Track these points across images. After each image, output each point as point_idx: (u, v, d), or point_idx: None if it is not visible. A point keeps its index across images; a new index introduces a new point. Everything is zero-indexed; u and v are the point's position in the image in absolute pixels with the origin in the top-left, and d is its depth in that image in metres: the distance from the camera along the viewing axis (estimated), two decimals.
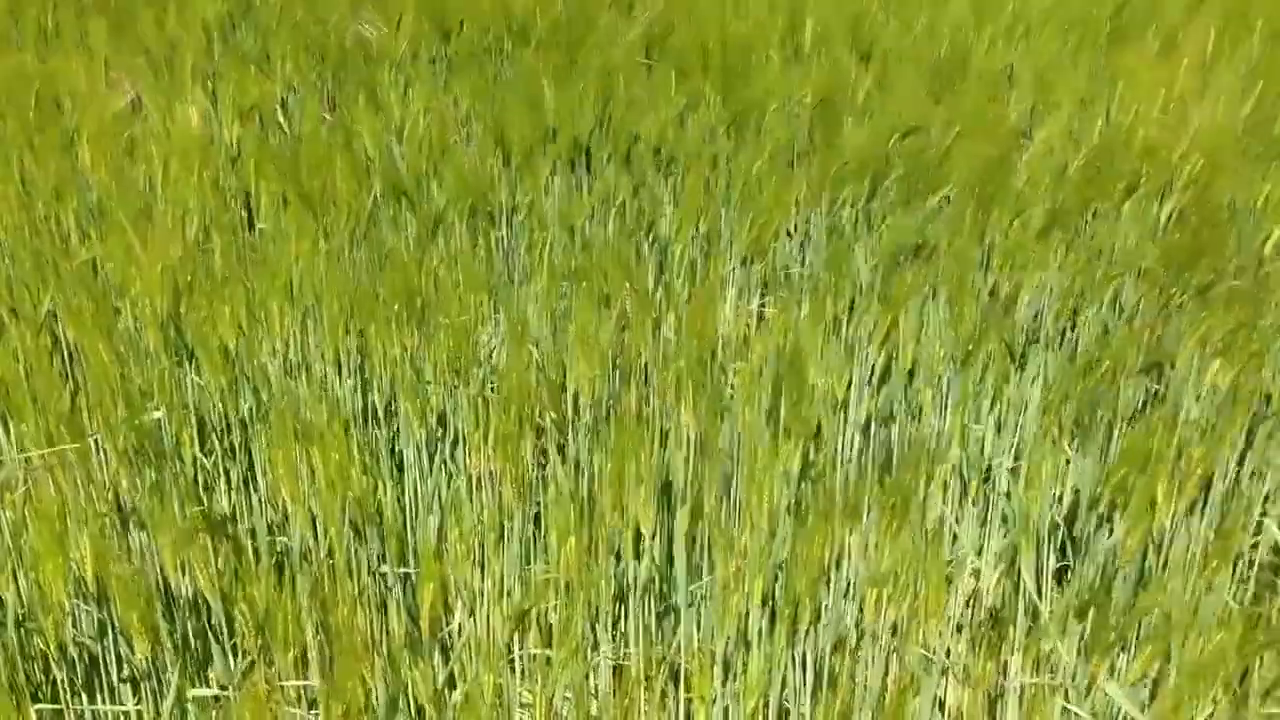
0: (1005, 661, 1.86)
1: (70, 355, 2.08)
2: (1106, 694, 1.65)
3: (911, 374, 2.10)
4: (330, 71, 3.18)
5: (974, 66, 3.07)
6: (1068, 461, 1.93)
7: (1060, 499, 1.94)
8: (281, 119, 2.91)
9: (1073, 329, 2.26)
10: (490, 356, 2.17)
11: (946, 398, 2.09)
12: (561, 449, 1.97)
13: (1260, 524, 2.02)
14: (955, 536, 1.99)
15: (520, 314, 2.12)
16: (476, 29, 3.43)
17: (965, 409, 1.98)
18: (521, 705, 1.76)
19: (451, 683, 1.81)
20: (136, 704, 1.66)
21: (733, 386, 2.03)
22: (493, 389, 2.00)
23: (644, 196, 2.50)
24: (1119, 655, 1.71)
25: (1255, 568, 1.99)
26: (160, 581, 1.72)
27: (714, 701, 1.71)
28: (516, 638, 1.78)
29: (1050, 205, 2.31)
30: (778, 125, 2.73)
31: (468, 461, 1.93)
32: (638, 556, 1.78)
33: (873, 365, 2.09)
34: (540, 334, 2.17)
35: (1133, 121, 2.68)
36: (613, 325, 2.00)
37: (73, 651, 1.62)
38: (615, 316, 2.03)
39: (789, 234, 2.56)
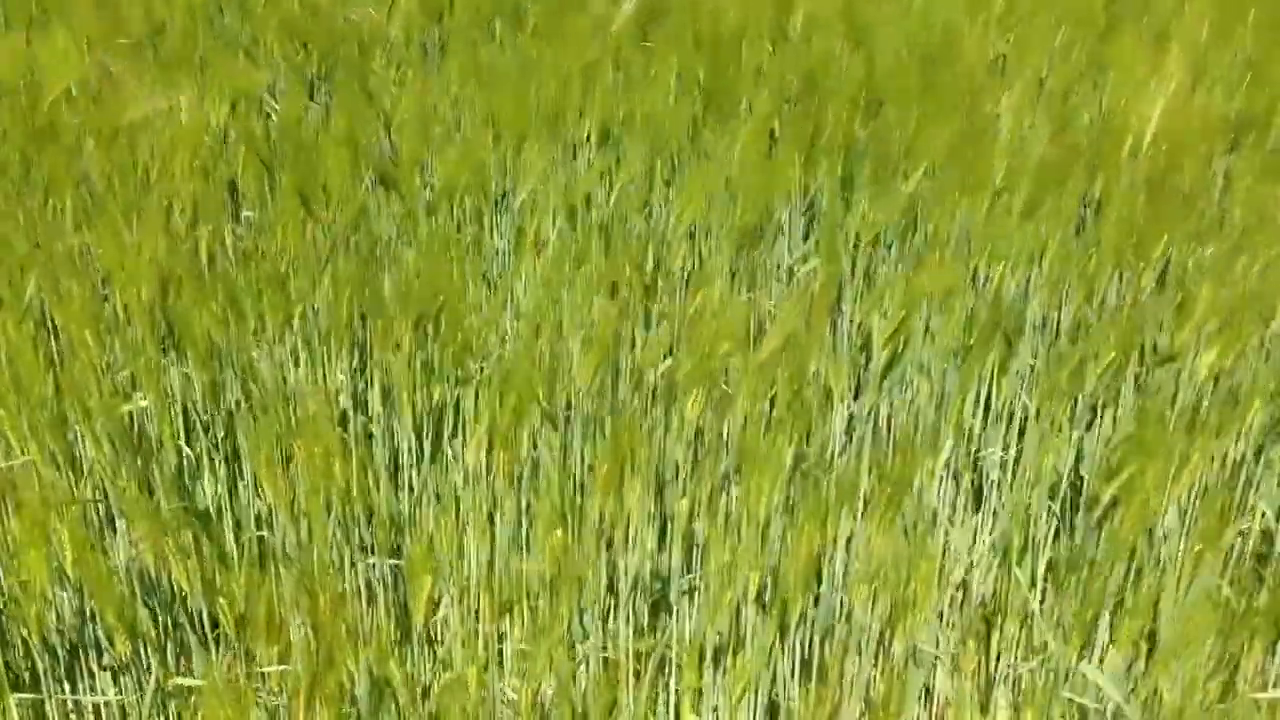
0: (996, 652, 1.86)
1: (55, 340, 2.06)
2: (1099, 686, 1.64)
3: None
4: (319, 58, 3.16)
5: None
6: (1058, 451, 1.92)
7: (1054, 488, 1.94)
8: (269, 105, 2.88)
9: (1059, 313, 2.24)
10: (486, 345, 2.15)
11: (942, 387, 2.08)
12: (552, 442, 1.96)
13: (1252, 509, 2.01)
14: (947, 522, 1.98)
15: (516, 301, 2.11)
16: (469, 12, 3.41)
17: (960, 398, 1.97)
18: (506, 702, 1.75)
19: (437, 674, 1.80)
20: (118, 694, 1.65)
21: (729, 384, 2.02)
22: (484, 374, 1.99)
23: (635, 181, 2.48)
24: (1106, 644, 1.71)
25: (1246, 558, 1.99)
26: (141, 572, 1.71)
27: (701, 694, 1.70)
28: (500, 628, 1.77)
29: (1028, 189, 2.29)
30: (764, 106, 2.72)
31: (464, 452, 1.91)
32: (628, 548, 1.77)
33: (868, 355, 2.08)
34: (537, 320, 2.16)
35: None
36: (613, 315, 1.98)
37: (54, 640, 1.60)
38: (616, 306, 2.01)
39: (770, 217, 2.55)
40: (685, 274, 2.33)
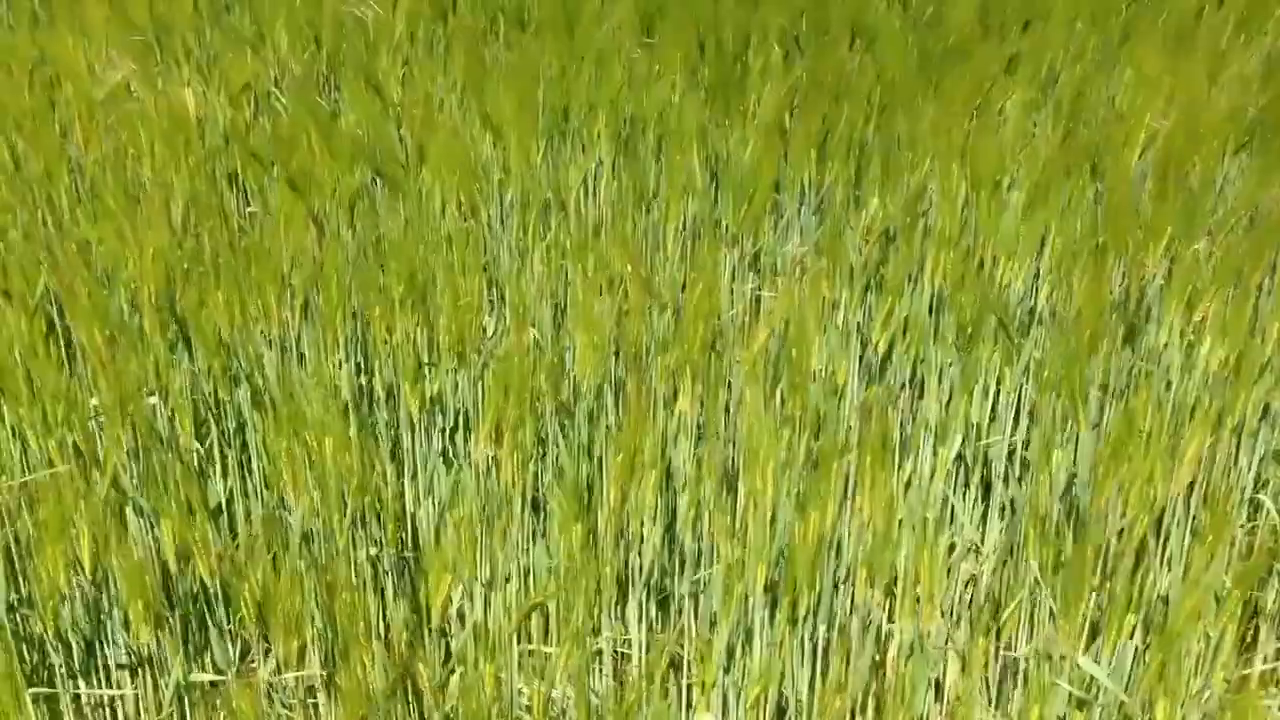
0: (1003, 643, 1.86)
1: (67, 340, 2.07)
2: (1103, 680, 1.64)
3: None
4: (326, 54, 3.16)
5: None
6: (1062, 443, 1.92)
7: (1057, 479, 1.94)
8: (276, 101, 2.89)
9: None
10: (489, 339, 2.16)
11: (945, 381, 2.08)
12: (564, 429, 1.96)
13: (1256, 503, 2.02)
14: (950, 506, 1.99)
15: (519, 295, 2.11)
16: (472, 10, 3.41)
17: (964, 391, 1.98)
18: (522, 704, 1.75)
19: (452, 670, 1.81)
20: (135, 688, 1.65)
21: (734, 372, 2.02)
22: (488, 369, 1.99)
23: (635, 173, 2.48)
24: (1113, 637, 1.71)
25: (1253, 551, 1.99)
26: (159, 568, 1.72)
27: (714, 687, 1.71)
28: (518, 628, 1.77)
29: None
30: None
31: (471, 446, 1.92)
32: (640, 544, 1.78)
33: (872, 347, 2.08)
34: (540, 315, 2.16)
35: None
36: (613, 309, 1.99)
37: (72, 637, 1.61)
38: (616, 300, 2.01)
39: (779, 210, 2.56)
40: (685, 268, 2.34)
